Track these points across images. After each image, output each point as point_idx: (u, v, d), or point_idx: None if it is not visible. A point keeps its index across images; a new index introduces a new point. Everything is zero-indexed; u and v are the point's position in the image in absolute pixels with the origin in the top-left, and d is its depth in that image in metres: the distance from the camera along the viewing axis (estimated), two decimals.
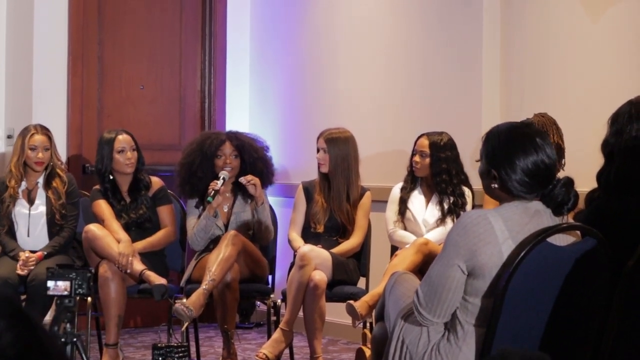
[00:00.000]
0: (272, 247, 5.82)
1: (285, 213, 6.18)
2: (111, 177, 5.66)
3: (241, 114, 7.55)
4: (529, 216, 3.15)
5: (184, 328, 5.28)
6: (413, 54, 6.39)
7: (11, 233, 5.65)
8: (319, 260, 5.34)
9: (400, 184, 5.59)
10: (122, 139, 5.66)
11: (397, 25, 6.52)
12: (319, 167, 5.67)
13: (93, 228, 5.49)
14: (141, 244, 5.55)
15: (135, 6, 7.22)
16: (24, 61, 6.85)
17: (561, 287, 3.15)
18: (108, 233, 5.48)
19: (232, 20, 7.56)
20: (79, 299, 4.21)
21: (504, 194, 3.21)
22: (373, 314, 4.79)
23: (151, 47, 7.28)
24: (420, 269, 5.01)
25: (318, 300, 5.29)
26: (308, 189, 5.71)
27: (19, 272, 5.43)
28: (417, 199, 5.51)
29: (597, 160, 3.56)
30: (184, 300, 5.23)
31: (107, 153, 5.65)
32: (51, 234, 5.65)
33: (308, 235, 5.62)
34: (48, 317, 5.26)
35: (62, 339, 4.03)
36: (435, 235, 5.36)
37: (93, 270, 4.82)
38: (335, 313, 6.06)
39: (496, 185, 3.22)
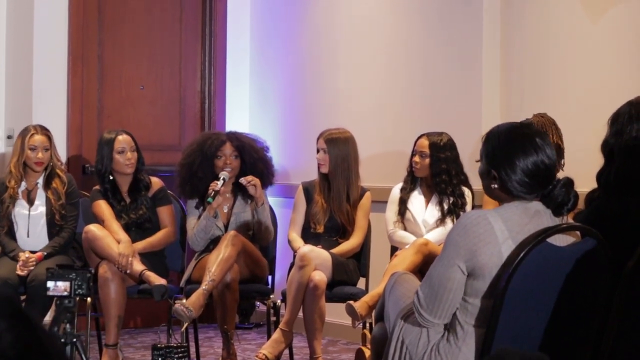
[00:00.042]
0: (272, 248, 5.82)
1: (285, 213, 6.18)
2: (111, 178, 5.66)
3: (241, 115, 7.55)
4: (528, 216, 3.15)
5: (183, 328, 5.28)
6: (413, 54, 6.39)
7: (11, 234, 5.65)
8: (318, 261, 5.34)
9: (400, 185, 5.59)
10: (122, 140, 5.66)
11: (397, 25, 6.52)
12: (318, 168, 5.67)
13: (93, 228, 5.49)
14: (141, 245, 5.55)
15: (135, 6, 7.22)
16: (24, 61, 6.84)
17: (561, 288, 3.15)
18: (108, 233, 5.48)
19: (232, 20, 7.56)
20: (79, 299, 4.21)
21: (503, 194, 3.21)
22: (373, 314, 4.79)
23: (151, 47, 7.28)
24: (420, 270, 5.01)
25: (318, 301, 5.29)
26: (308, 190, 5.71)
27: (19, 272, 5.43)
28: (416, 200, 5.51)
29: (597, 161, 3.56)
30: (184, 300, 5.23)
31: (107, 153, 5.64)
32: (51, 234, 5.65)
33: (308, 235, 5.62)
34: (48, 318, 5.26)
35: (62, 340, 4.03)
36: (435, 236, 5.36)
37: (93, 271, 4.82)
38: (335, 313, 6.06)
39: (496, 186, 3.22)
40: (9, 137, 6.80)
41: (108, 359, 5.38)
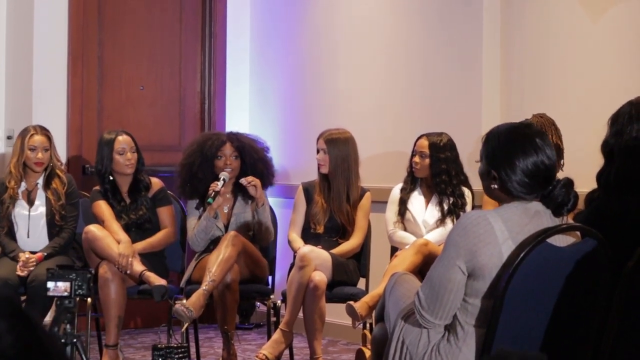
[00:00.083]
0: (272, 248, 5.82)
1: (285, 214, 6.18)
2: (111, 178, 5.66)
3: (241, 115, 7.54)
4: (528, 217, 3.15)
5: (183, 329, 5.28)
6: (413, 54, 6.39)
7: (11, 234, 5.64)
8: (319, 261, 5.34)
9: (400, 185, 5.59)
10: (122, 140, 5.66)
11: (397, 25, 6.52)
12: (318, 168, 5.67)
13: (93, 229, 5.48)
14: (141, 245, 5.55)
15: (135, 6, 7.22)
16: (24, 61, 6.84)
17: (561, 288, 3.15)
18: (108, 234, 5.48)
19: (232, 21, 7.56)
20: (79, 299, 4.21)
21: (503, 194, 3.21)
22: (373, 314, 4.79)
23: (151, 47, 7.28)
24: (420, 270, 5.01)
25: (318, 301, 5.29)
26: (308, 190, 5.71)
27: (19, 273, 5.42)
28: (416, 200, 5.52)
29: (597, 161, 3.56)
30: (184, 301, 5.23)
31: (107, 154, 5.64)
32: (51, 234, 5.64)
33: (308, 236, 5.62)
34: (48, 318, 5.26)
35: (62, 340, 4.03)
36: (435, 236, 5.36)
37: (93, 271, 4.82)
38: (335, 314, 6.06)
39: (496, 186, 3.22)
40: (9, 137, 6.80)
41: (108, 359, 5.38)
